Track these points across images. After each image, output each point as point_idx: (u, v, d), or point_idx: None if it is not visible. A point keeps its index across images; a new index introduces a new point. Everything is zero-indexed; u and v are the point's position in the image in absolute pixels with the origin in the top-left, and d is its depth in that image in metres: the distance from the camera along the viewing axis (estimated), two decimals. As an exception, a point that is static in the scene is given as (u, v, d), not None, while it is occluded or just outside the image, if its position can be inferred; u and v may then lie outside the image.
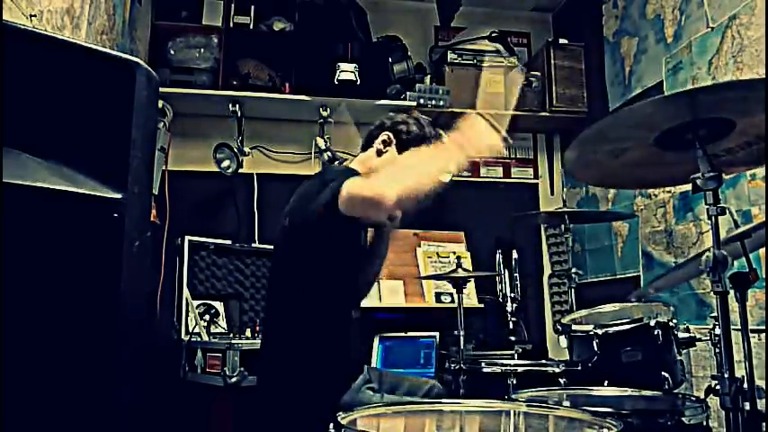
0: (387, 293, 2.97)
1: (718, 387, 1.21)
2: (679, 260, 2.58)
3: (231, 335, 2.74)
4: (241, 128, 3.12)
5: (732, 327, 1.22)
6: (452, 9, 3.43)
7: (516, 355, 2.56)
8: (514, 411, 1.24)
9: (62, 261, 0.75)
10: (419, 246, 3.22)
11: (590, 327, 1.93)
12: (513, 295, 2.75)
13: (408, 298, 2.99)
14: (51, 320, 0.74)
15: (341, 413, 1.06)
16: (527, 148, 3.73)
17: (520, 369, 1.96)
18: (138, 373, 0.82)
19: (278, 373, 1.59)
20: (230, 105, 3.08)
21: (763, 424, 1.35)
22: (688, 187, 1.27)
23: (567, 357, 2.01)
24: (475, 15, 3.66)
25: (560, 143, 3.74)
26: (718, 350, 1.71)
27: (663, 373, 1.76)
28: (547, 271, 3.62)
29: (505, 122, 1.48)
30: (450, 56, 3.39)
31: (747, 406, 1.19)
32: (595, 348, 1.86)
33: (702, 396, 1.56)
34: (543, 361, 2.26)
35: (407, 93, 3.23)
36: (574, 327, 2.02)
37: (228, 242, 2.99)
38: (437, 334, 2.88)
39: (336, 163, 3.08)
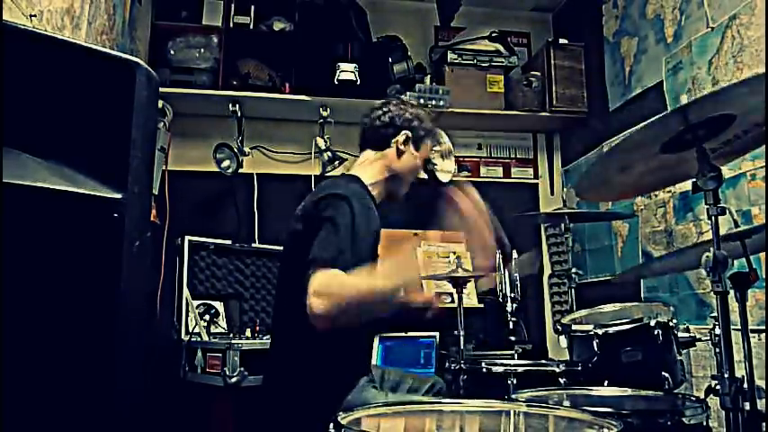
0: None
1: (718, 387, 1.21)
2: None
3: (231, 335, 2.74)
4: (241, 128, 3.12)
5: (732, 327, 1.22)
6: (452, 9, 3.43)
7: (516, 355, 2.55)
8: (514, 411, 1.24)
9: (62, 261, 0.75)
10: (419, 246, 3.22)
11: (590, 327, 1.93)
12: (513, 295, 2.74)
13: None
14: (51, 320, 0.74)
15: (341, 413, 1.06)
16: (527, 148, 3.73)
17: (520, 369, 1.95)
18: (138, 373, 0.82)
19: (287, 375, 1.59)
20: (230, 105, 3.08)
21: (763, 424, 1.35)
22: (688, 187, 1.27)
23: (567, 357, 2.01)
24: (475, 15, 3.66)
25: (560, 143, 3.74)
26: (718, 350, 1.71)
27: (663, 373, 1.76)
28: (547, 271, 3.62)
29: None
30: (450, 56, 3.39)
31: (747, 406, 1.19)
32: (595, 348, 1.86)
33: (702, 396, 1.56)
34: (543, 361, 2.26)
35: (407, 93, 3.23)
36: (574, 327, 2.02)
37: (228, 242, 2.99)
38: (437, 334, 2.88)
39: (337, 163, 3.08)
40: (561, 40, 3.44)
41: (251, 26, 3.22)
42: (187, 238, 2.83)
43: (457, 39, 3.55)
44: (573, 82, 3.40)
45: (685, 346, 1.91)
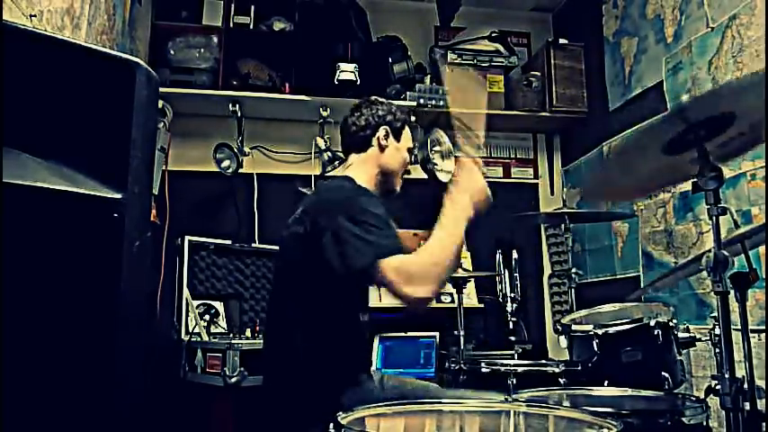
0: (387, 293, 2.96)
1: (718, 387, 1.21)
2: (679, 260, 2.58)
3: (231, 335, 2.74)
4: (241, 128, 3.12)
5: (732, 327, 1.22)
6: (452, 9, 3.43)
7: (516, 355, 2.56)
8: (514, 411, 1.24)
9: (62, 261, 0.75)
10: (419, 246, 3.21)
11: (590, 327, 1.93)
12: (513, 295, 2.74)
13: (408, 298, 2.98)
14: (51, 321, 0.74)
15: (341, 413, 1.06)
16: (527, 148, 3.73)
17: (520, 369, 1.96)
18: (138, 373, 0.82)
19: (287, 374, 1.59)
20: (230, 105, 3.07)
21: (763, 424, 1.35)
22: (688, 187, 1.27)
23: (567, 357, 2.01)
24: (475, 15, 3.66)
25: (560, 143, 3.74)
26: (718, 350, 1.71)
27: (663, 373, 1.76)
28: (547, 271, 3.62)
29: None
30: (451, 56, 3.39)
31: (747, 406, 1.19)
32: (595, 348, 1.86)
33: (702, 396, 1.56)
34: (543, 361, 2.26)
35: (407, 93, 3.23)
36: (574, 327, 2.02)
37: (228, 242, 2.99)
38: (437, 334, 2.88)
39: (337, 163, 3.08)
40: (561, 40, 3.44)
41: (251, 26, 3.22)
42: (187, 238, 2.82)
43: (457, 39, 3.55)
44: (573, 82, 3.40)
45: (685, 346, 1.91)
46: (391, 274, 1.41)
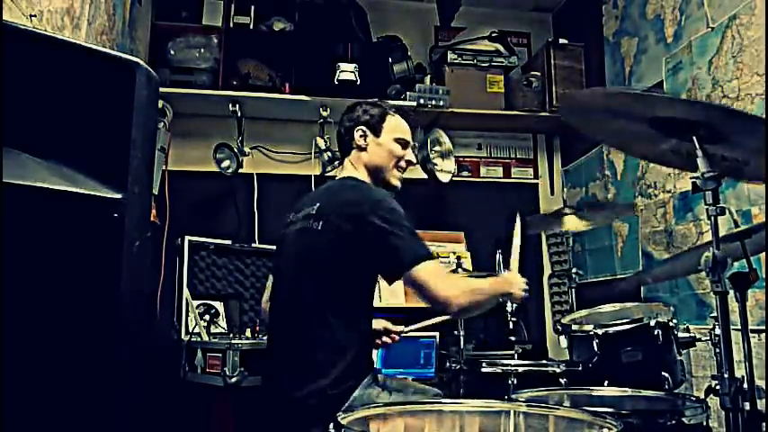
0: (387, 293, 2.97)
1: (718, 387, 1.21)
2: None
3: (231, 335, 2.74)
4: (241, 128, 3.12)
5: (732, 327, 1.22)
6: (452, 9, 3.43)
7: (516, 355, 2.56)
8: (514, 411, 1.24)
9: (62, 261, 0.75)
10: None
11: (590, 327, 1.93)
12: (513, 295, 2.74)
13: (408, 298, 2.98)
14: (51, 321, 0.74)
15: (341, 413, 1.06)
16: (527, 148, 3.73)
17: (520, 369, 1.96)
18: (138, 373, 0.82)
19: (287, 374, 1.58)
20: (230, 105, 3.07)
21: (763, 424, 1.35)
22: (688, 187, 1.27)
23: (567, 357, 2.01)
24: (475, 15, 3.66)
25: (560, 143, 3.74)
26: (718, 350, 1.71)
27: (663, 373, 1.76)
28: (547, 271, 3.62)
29: None
30: (450, 56, 3.39)
31: (747, 406, 1.19)
32: (595, 348, 1.86)
33: (702, 396, 1.56)
34: (543, 361, 2.26)
35: (407, 93, 3.23)
36: (574, 327, 2.02)
37: (228, 242, 2.99)
38: (437, 334, 2.88)
39: (336, 163, 3.08)
40: (561, 40, 3.44)
41: (251, 26, 3.21)
42: (187, 238, 2.82)
43: (457, 39, 3.55)
44: (573, 82, 3.40)
45: (685, 346, 1.92)
46: (427, 275, 1.50)
